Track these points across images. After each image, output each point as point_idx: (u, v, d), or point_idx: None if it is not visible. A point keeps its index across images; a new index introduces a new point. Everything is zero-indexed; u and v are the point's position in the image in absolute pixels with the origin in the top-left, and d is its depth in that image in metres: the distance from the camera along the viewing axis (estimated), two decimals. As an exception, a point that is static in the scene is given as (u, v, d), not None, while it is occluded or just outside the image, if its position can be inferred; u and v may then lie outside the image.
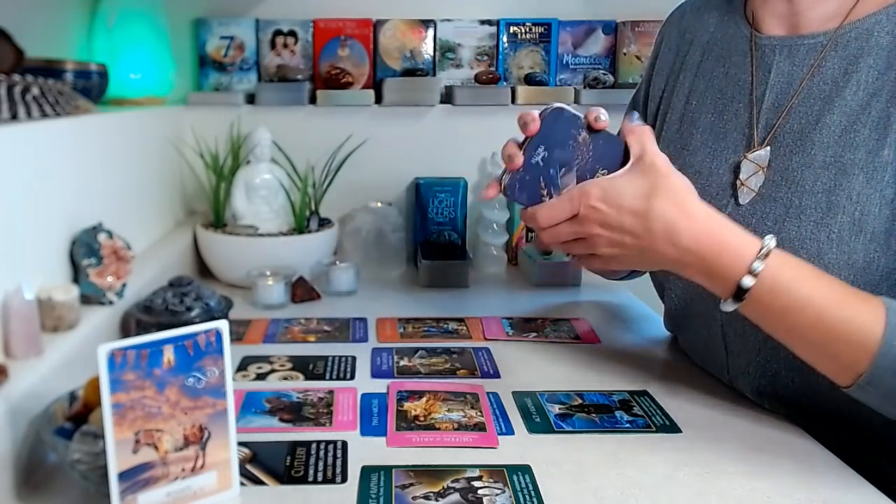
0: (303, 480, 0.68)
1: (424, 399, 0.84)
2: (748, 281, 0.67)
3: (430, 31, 1.53)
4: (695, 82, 0.90)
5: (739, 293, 0.68)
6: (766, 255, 0.67)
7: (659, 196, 0.70)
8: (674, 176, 0.71)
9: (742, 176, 0.80)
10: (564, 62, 1.57)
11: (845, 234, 0.72)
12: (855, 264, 0.71)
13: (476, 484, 0.67)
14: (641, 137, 0.74)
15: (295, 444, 0.74)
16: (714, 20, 0.91)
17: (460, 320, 1.13)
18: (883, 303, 0.66)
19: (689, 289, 0.85)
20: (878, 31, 0.75)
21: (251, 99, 1.48)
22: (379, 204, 1.45)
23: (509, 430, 0.78)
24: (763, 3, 0.83)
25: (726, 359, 0.84)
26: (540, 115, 0.75)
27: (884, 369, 0.64)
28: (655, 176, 0.71)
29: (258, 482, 0.67)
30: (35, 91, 0.85)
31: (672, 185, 0.71)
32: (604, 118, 0.75)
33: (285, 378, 0.90)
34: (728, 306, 0.70)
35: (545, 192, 0.76)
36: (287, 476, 0.68)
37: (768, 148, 0.79)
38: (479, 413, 0.81)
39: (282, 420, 0.79)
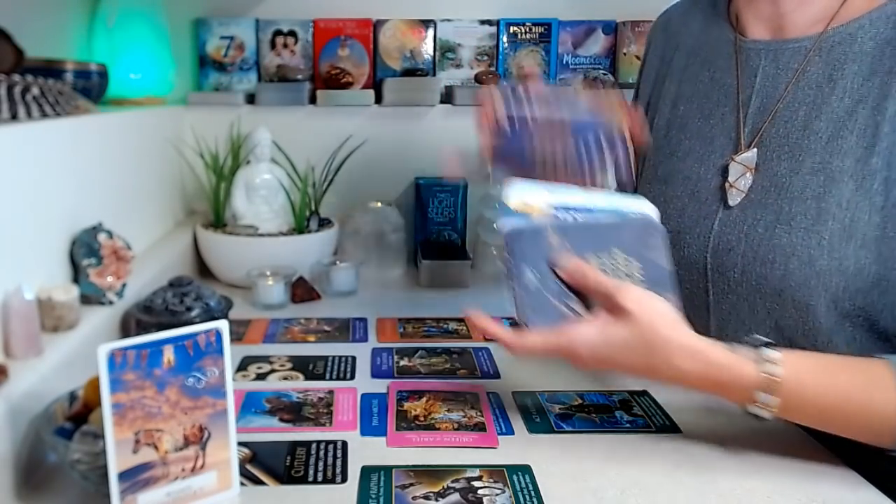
0: (303, 480, 0.68)
1: (424, 399, 0.84)
2: (758, 411, 0.67)
3: (430, 31, 1.53)
4: (681, 87, 0.90)
5: (759, 418, 0.68)
6: (769, 386, 0.66)
7: (654, 354, 0.67)
8: (659, 324, 0.67)
9: (731, 178, 0.80)
10: (564, 62, 1.57)
11: (836, 241, 0.72)
12: (846, 271, 0.71)
13: (476, 484, 0.67)
14: (602, 280, 0.69)
15: (295, 444, 0.74)
16: (698, 24, 0.91)
17: (460, 320, 1.13)
18: (892, 371, 0.65)
19: (682, 297, 0.85)
20: (862, 37, 0.75)
21: (251, 99, 1.48)
22: (379, 204, 1.45)
23: (509, 430, 0.78)
24: (747, 6, 0.83)
25: None
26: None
27: None
28: (640, 329, 0.67)
29: (258, 482, 0.67)
30: (35, 91, 0.85)
31: (661, 336, 0.67)
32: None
33: (285, 378, 0.90)
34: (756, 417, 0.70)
35: (563, 307, 0.71)
36: (287, 476, 0.68)
37: (755, 150, 0.79)
38: (479, 413, 0.81)
39: (282, 420, 0.79)
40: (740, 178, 0.79)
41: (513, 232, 0.71)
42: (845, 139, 0.73)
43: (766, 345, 0.68)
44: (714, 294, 0.81)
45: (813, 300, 0.72)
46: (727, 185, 0.80)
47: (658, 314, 0.68)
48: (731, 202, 0.80)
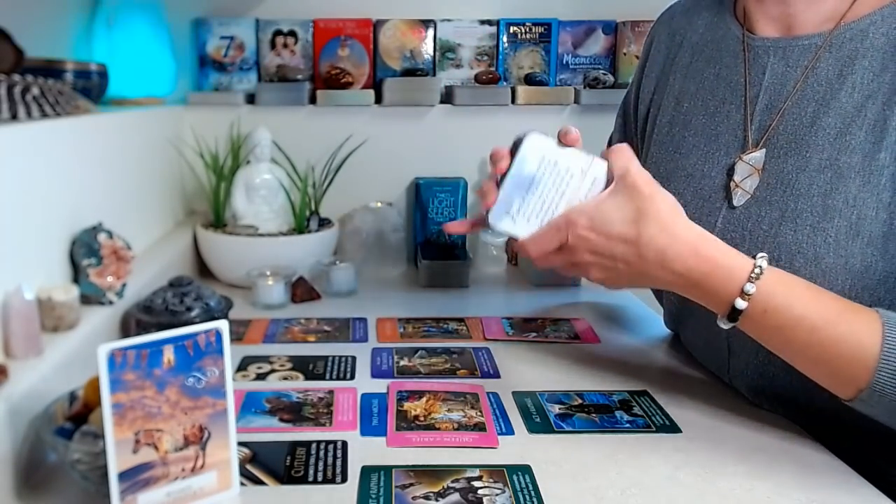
0: (303, 480, 0.68)
1: (424, 399, 0.84)
2: (741, 303, 0.68)
3: (430, 31, 1.53)
4: (685, 84, 0.90)
5: (734, 313, 0.68)
6: (759, 276, 0.67)
7: (647, 221, 0.69)
8: (659, 198, 0.70)
9: (736, 178, 0.80)
10: (564, 62, 1.57)
11: (842, 239, 0.71)
12: (852, 268, 0.71)
13: (476, 484, 0.67)
14: (622, 156, 0.72)
15: (295, 444, 0.74)
16: (704, 21, 0.91)
17: (460, 320, 1.13)
18: (879, 316, 0.65)
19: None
20: (874, 33, 0.74)
21: (251, 99, 1.48)
22: (379, 204, 1.45)
23: (509, 430, 0.78)
24: (757, 5, 0.83)
25: (728, 358, 0.84)
26: (512, 146, 0.74)
27: (884, 383, 0.64)
28: (641, 199, 0.69)
29: (258, 482, 0.67)
30: (35, 91, 0.85)
31: (658, 208, 0.69)
32: (573, 132, 0.74)
33: (285, 378, 0.90)
34: (723, 324, 0.70)
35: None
36: (287, 476, 0.68)
37: (763, 150, 0.78)
38: (479, 413, 0.81)
39: (282, 420, 0.79)
40: (747, 178, 0.79)
41: (529, 132, 0.73)
42: (854, 135, 0.73)
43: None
44: None
45: None
46: (733, 184, 0.80)
47: (658, 191, 0.70)
48: (735, 202, 0.79)
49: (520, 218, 0.74)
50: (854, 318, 0.66)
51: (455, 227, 0.81)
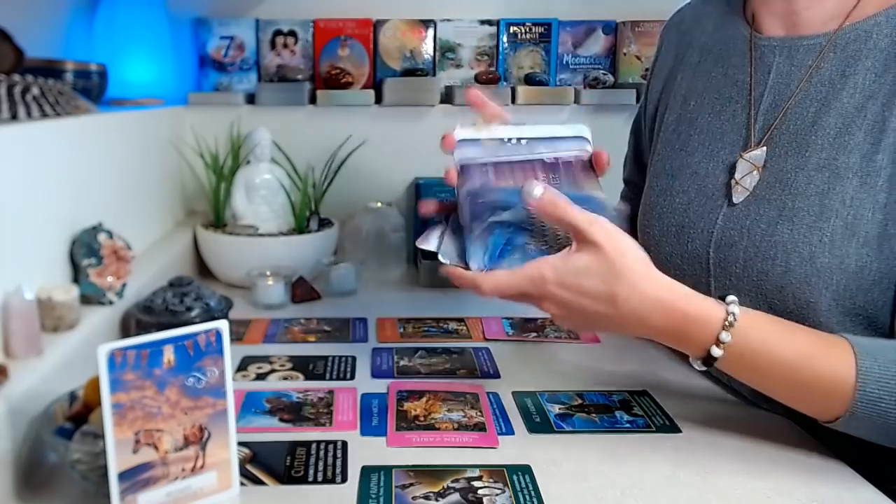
0: (303, 480, 0.68)
1: (424, 399, 0.84)
2: (717, 351, 0.68)
3: (430, 31, 1.53)
4: (692, 83, 0.90)
5: (709, 359, 0.69)
6: (732, 323, 0.67)
7: (618, 280, 0.67)
8: (625, 252, 0.68)
9: (737, 175, 0.80)
10: (564, 62, 1.57)
11: (838, 238, 0.72)
12: (847, 268, 0.71)
13: (476, 484, 0.67)
14: (566, 212, 0.69)
15: (295, 444, 0.74)
16: (713, 21, 0.91)
17: (460, 320, 1.13)
18: (850, 345, 0.66)
19: None
20: (877, 34, 0.74)
21: (251, 99, 1.48)
22: (379, 204, 1.45)
23: (509, 430, 0.78)
24: (763, 4, 0.83)
25: None
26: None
27: (861, 412, 0.65)
28: (606, 255, 0.67)
29: (258, 482, 0.67)
30: (35, 91, 0.85)
31: (626, 264, 0.67)
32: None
33: (285, 378, 0.90)
34: (698, 367, 0.71)
35: (524, 244, 0.72)
36: (287, 476, 0.68)
37: (764, 148, 0.79)
38: (479, 413, 0.81)
39: (282, 420, 0.79)
40: (746, 175, 0.79)
41: (465, 160, 0.71)
42: (853, 135, 0.73)
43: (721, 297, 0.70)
44: (716, 289, 0.81)
45: (814, 297, 0.72)
46: (733, 181, 0.80)
47: (627, 247, 0.68)
48: (735, 199, 0.80)
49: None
50: (827, 351, 0.67)
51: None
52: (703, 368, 0.70)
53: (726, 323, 0.67)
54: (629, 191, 1.10)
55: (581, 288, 0.68)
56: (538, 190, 0.69)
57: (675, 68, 0.94)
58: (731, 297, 0.69)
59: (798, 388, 0.68)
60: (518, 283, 0.70)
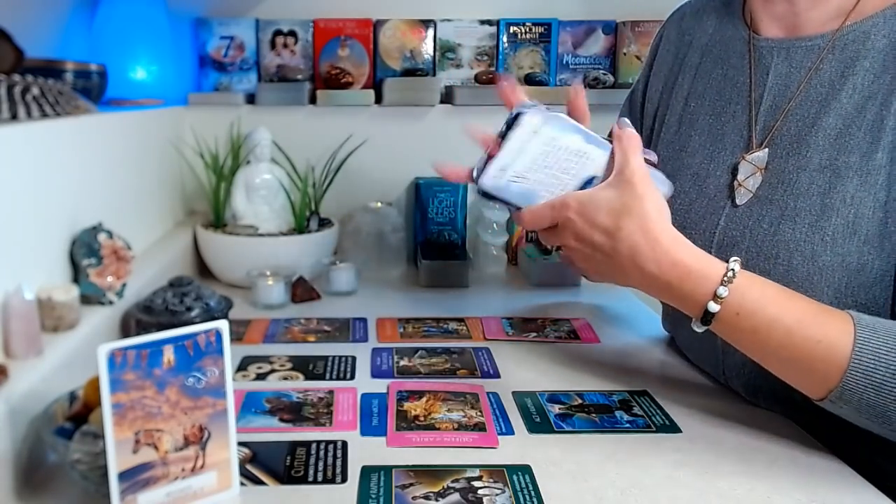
0: (303, 480, 0.68)
1: (424, 399, 0.84)
2: (713, 306, 0.68)
3: (430, 31, 1.53)
4: (693, 84, 0.90)
5: (706, 316, 0.69)
6: (731, 279, 0.67)
7: (629, 217, 0.69)
8: (648, 197, 0.70)
9: (740, 177, 0.80)
10: (564, 62, 1.57)
11: (839, 237, 0.72)
12: (849, 266, 0.71)
13: (476, 484, 0.67)
14: (626, 149, 0.72)
15: (295, 444, 0.74)
16: (713, 22, 0.91)
17: (460, 320, 1.13)
18: (851, 317, 0.66)
19: None
20: (875, 34, 0.75)
21: (251, 99, 1.48)
22: (379, 204, 1.45)
23: (509, 430, 0.78)
24: (762, 5, 0.83)
25: (721, 358, 0.85)
26: (510, 120, 0.74)
27: (854, 383, 0.65)
28: (630, 195, 0.70)
29: (258, 482, 0.67)
30: (35, 91, 0.85)
31: (644, 207, 0.69)
32: (581, 98, 0.76)
33: (285, 378, 0.90)
34: (697, 327, 0.71)
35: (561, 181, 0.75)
36: (287, 476, 0.68)
37: (767, 150, 0.79)
38: (479, 413, 0.81)
39: (282, 420, 0.79)
40: (749, 177, 0.79)
41: (532, 108, 0.74)
42: (853, 136, 0.73)
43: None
44: None
45: (815, 295, 0.72)
46: (736, 183, 0.80)
47: (652, 196, 0.70)
48: (738, 201, 0.80)
49: (513, 185, 0.75)
50: (826, 319, 0.66)
51: (449, 172, 0.81)
52: (702, 328, 0.70)
53: (725, 278, 0.67)
54: None
55: (594, 220, 0.71)
56: (628, 125, 0.74)
57: (676, 68, 0.94)
58: (734, 258, 0.69)
59: (794, 351, 0.67)
60: (546, 211, 0.73)
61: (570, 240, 0.73)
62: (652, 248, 0.69)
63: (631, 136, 0.73)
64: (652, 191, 0.71)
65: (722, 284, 0.68)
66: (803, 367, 0.67)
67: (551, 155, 0.74)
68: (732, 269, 0.68)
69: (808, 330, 0.66)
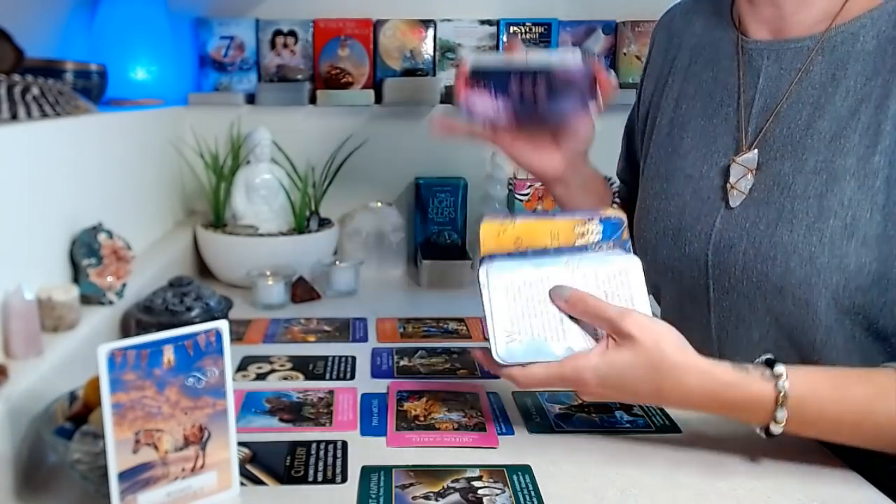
0: (303, 480, 0.68)
1: (424, 399, 0.84)
2: (776, 428, 0.67)
3: (430, 31, 1.53)
4: (683, 86, 0.90)
5: (770, 434, 0.68)
6: (784, 402, 0.66)
7: (663, 377, 0.67)
8: (663, 343, 0.67)
9: (732, 179, 0.80)
10: (564, 62, 1.56)
11: (837, 239, 0.72)
12: (847, 268, 0.71)
13: (476, 484, 0.67)
14: (597, 308, 0.69)
15: (295, 444, 0.74)
16: (701, 24, 0.91)
17: (460, 320, 1.13)
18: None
19: (683, 293, 0.85)
20: (864, 36, 0.75)
21: (251, 99, 1.48)
22: (379, 204, 1.45)
23: (509, 430, 0.78)
24: (749, 7, 0.83)
25: (720, 359, 0.84)
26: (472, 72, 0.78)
27: None
28: (646, 351, 0.67)
29: (258, 482, 0.67)
30: (35, 91, 0.85)
31: (667, 356, 0.67)
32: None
33: (285, 378, 0.90)
34: (763, 436, 0.70)
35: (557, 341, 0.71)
36: (287, 476, 0.68)
37: (756, 150, 0.79)
38: (479, 413, 0.81)
39: (282, 420, 0.79)
40: (741, 179, 0.79)
41: (493, 266, 0.72)
42: (848, 138, 0.73)
43: (767, 361, 0.68)
44: (715, 291, 0.81)
45: (813, 297, 0.72)
46: (728, 185, 0.80)
47: (663, 337, 0.68)
48: (732, 203, 0.80)
49: (517, 345, 0.70)
50: (884, 400, 0.66)
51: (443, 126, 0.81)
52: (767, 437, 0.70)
53: (778, 401, 0.66)
54: (621, 186, 1.09)
55: (624, 385, 0.69)
56: (566, 292, 0.71)
57: (666, 71, 0.94)
58: (779, 369, 0.67)
59: (864, 439, 0.68)
60: (554, 380, 0.70)
61: (595, 397, 0.72)
62: (700, 397, 0.68)
63: (585, 297, 0.70)
64: (657, 332, 0.68)
65: (778, 407, 0.66)
66: (882, 444, 0.68)
67: (521, 298, 0.71)
68: (782, 389, 0.66)
69: (872, 419, 0.66)
